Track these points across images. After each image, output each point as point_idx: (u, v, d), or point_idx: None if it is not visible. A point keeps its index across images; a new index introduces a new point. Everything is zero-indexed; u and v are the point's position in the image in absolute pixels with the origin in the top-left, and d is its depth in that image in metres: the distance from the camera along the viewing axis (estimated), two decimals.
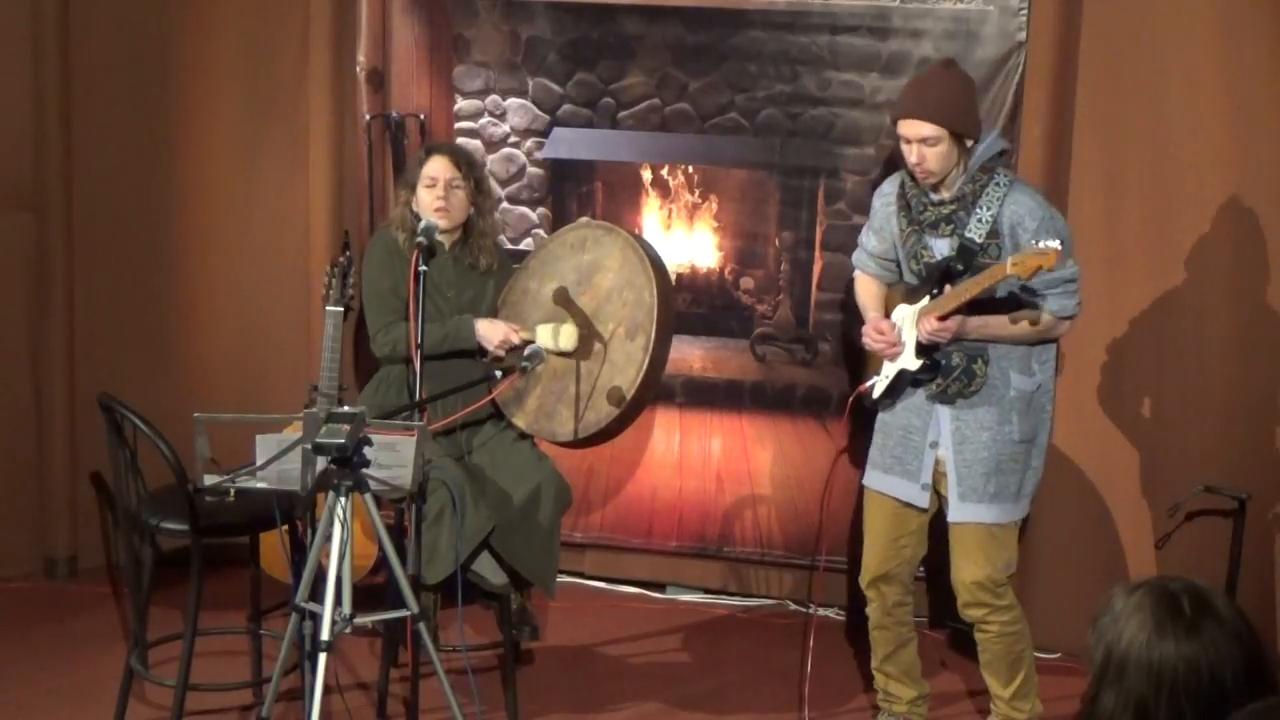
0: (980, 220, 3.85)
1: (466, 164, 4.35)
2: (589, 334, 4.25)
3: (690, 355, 5.15)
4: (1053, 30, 4.65)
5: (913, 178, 3.97)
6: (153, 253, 5.32)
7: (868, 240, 4.18)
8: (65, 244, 5.16)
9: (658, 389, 4.56)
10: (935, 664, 4.67)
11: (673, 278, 4.72)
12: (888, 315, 4.09)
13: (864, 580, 4.16)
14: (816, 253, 5.06)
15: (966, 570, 3.97)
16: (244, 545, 4.27)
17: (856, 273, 4.25)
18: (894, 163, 4.91)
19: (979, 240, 3.85)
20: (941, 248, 3.94)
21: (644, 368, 4.17)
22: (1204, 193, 4.50)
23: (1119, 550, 4.74)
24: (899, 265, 4.11)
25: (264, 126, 5.31)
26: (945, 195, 3.92)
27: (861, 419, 4.28)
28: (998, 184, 3.87)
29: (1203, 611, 2.13)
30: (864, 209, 4.97)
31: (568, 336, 4.24)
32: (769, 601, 5.27)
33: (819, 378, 5.11)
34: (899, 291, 4.11)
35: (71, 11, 5.09)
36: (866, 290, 4.20)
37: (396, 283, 4.25)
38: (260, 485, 3.62)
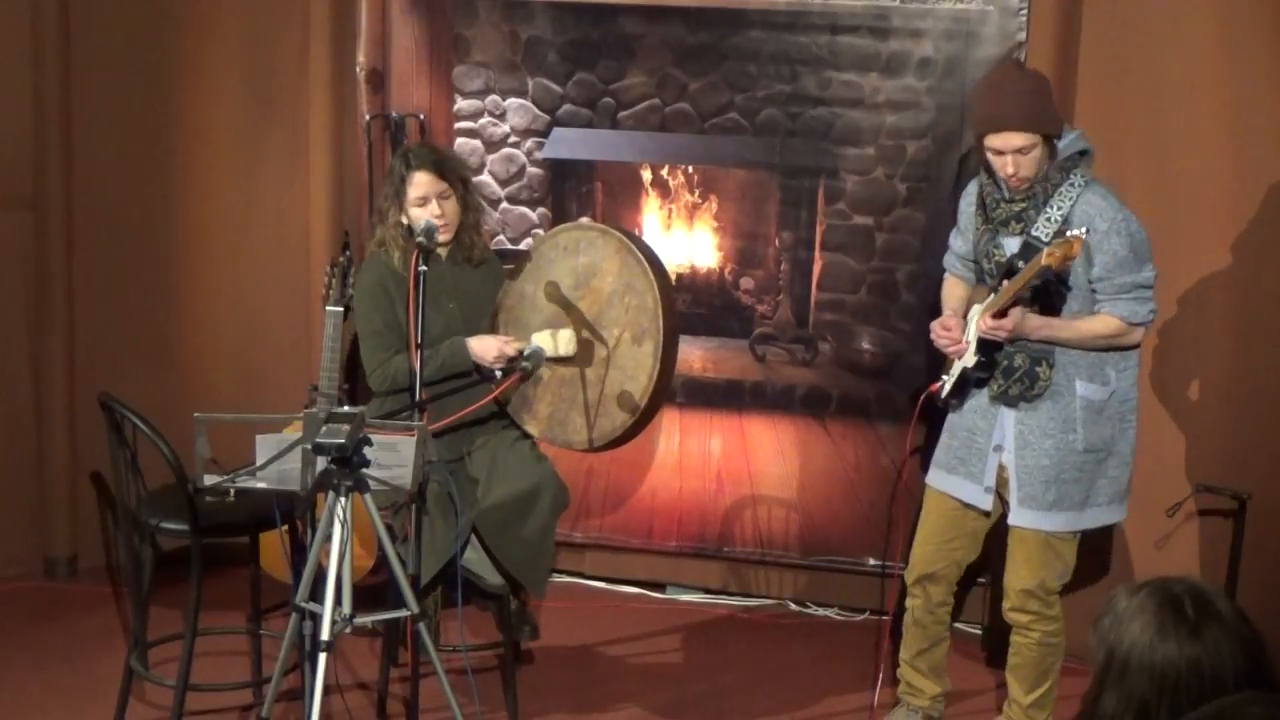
0: (1049, 219, 3.77)
1: (449, 168, 4.24)
2: (591, 337, 4.22)
3: (690, 355, 5.14)
4: (1053, 30, 4.64)
5: (990, 177, 3.90)
6: (153, 253, 5.32)
7: (954, 242, 4.14)
8: (65, 244, 5.16)
9: (669, 393, 4.55)
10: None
11: (672, 277, 4.72)
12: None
13: (909, 577, 4.14)
14: (816, 253, 5.06)
15: (1019, 575, 3.94)
16: (244, 545, 4.26)
17: (945, 274, 4.20)
18: (892, 161, 4.93)
19: (1045, 239, 3.74)
20: (1012, 246, 3.86)
21: (655, 374, 4.14)
22: (1203, 192, 4.50)
23: (1119, 550, 4.73)
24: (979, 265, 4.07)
25: (264, 126, 5.31)
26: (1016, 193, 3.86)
27: (932, 419, 4.25)
28: (1072, 184, 3.79)
29: (1205, 613, 2.13)
30: (864, 209, 4.98)
31: (566, 342, 4.21)
32: (769, 601, 5.27)
33: (819, 378, 5.10)
34: (979, 292, 4.06)
35: (71, 12, 5.08)
36: (950, 291, 4.15)
37: (391, 317, 4.20)
38: (260, 485, 3.61)
